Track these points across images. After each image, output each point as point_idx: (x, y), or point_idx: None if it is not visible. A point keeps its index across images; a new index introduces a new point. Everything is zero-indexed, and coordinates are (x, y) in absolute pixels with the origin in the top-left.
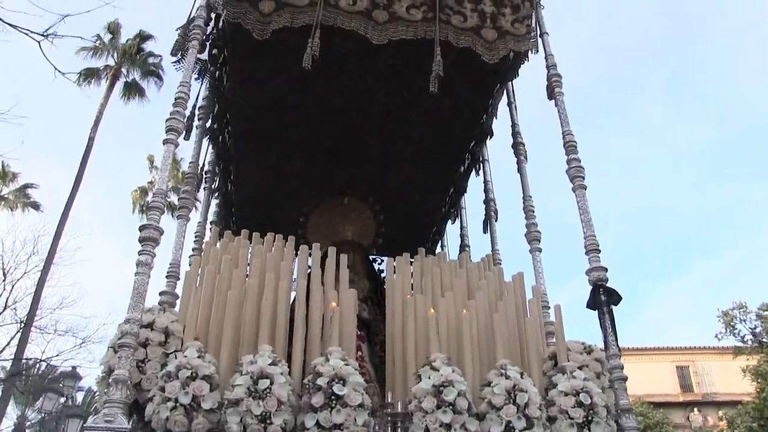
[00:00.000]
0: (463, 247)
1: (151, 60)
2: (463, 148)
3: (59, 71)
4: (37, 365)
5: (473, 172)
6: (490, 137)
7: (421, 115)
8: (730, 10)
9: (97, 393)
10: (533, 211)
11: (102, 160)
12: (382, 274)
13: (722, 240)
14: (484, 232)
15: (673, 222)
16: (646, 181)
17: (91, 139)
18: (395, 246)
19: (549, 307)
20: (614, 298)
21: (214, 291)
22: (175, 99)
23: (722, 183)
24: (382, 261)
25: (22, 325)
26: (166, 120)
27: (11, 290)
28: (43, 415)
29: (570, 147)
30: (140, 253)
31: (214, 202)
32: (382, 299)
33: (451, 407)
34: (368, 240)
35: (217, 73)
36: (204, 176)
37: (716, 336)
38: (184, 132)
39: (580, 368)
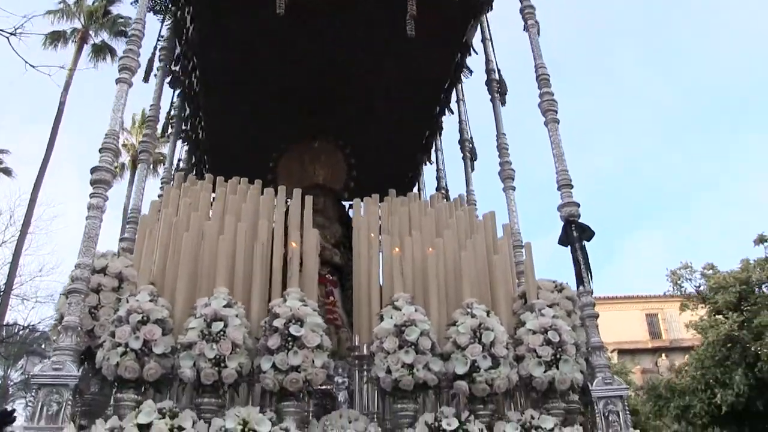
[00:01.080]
0: (440, 189)
1: (120, 21)
2: (437, 89)
3: (30, 65)
4: (19, 330)
5: (447, 112)
6: (466, 74)
7: (394, 56)
8: None
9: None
10: (507, 149)
11: (76, 125)
12: None
13: (693, 192)
14: (471, 170)
15: (645, 176)
16: (621, 138)
17: (61, 104)
18: (370, 191)
19: (521, 246)
20: (587, 233)
21: (171, 234)
22: (129, 37)
23: (694, 137)
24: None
25: (1, 293)
26: (119, 58)
27: None
28: (26, 376)
29: (543, 80)
30: (92, 195)
31: (183, 149)
32: None
33: (413, 347)
34: (340, 184)
35: (179, 13)
36: (170, 122)
37: (664, 293)
38: (144, 74)
39: (550, 306)
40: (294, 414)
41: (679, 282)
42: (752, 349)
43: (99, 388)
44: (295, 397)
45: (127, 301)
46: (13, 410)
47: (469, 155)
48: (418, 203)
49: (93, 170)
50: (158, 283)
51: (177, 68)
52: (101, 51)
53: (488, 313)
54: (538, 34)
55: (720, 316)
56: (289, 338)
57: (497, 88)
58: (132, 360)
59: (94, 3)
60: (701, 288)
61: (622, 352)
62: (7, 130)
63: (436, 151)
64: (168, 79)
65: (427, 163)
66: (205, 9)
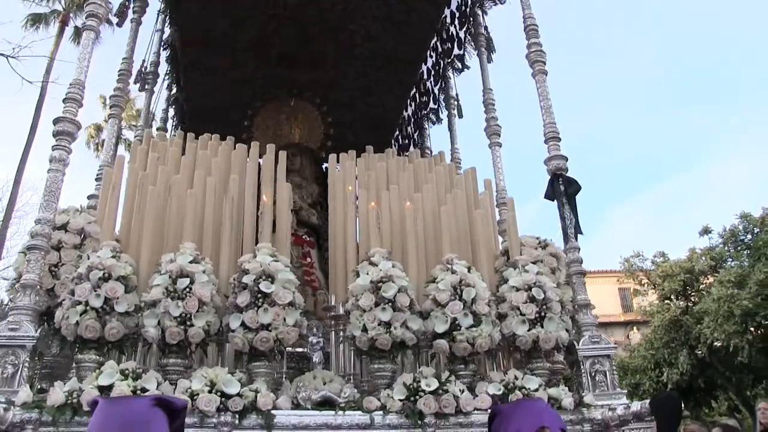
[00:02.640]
0: (423, 149)
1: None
2: (425, 45)
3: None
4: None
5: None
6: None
7: (379, 10)
8: None
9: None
10: (493, 105)
11: (58, 107)
12: None
13: (673, 164)
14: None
15: (626, 147)
16: (602, 108)
17: (43, 87)
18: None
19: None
20: (573, 187)
21: (137, 190)
22: None
23: (675, 108)
24: None
25: None
26: (86, 4)
27: None
28: None
29: (531, 31)
30: (54, 147)
31: (158, 106)
32: None
33: (390, 304)
34: (316, 143)
35: None
36: (146, 77)
37: (618, 280)
38: (117, 18)
39: (533, 263)
40: (265, 375)
41: (631, 269)
42: (694, 332)
43: (59, 349)
44: (266, 357)
45: (88, 258)
46: None
47: (455, 113)
48: (396, 159)
49: (56, 121)
50: (123, 239)
51: (156, 21)
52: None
53: (469, 269)
54: None
55: (667, 302)
56: (259, 295)
57: (484, 44)
58: (92, 319)
59: None
60: (650, 274)
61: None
62: None
63: (421, 111)
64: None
65: (408, 121)
66: None
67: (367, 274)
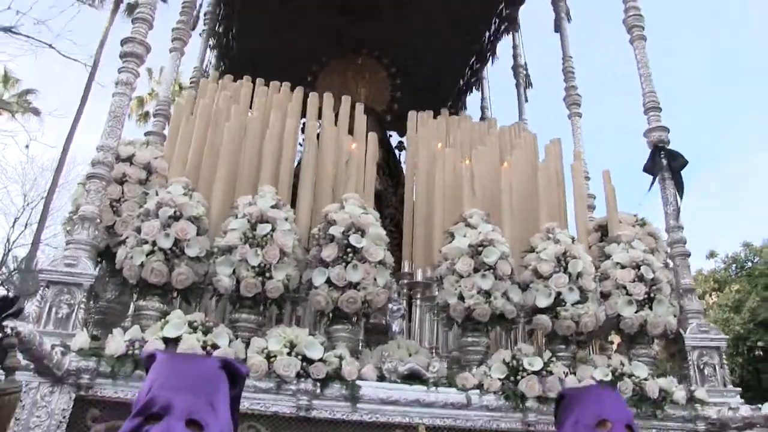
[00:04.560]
0: (484, 119)
1: None
2: (491, 9)
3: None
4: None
5: (501, 38)
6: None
7: None
8: None
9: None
10: (573, 73)
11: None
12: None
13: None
14: (525, 100)
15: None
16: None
17: (96, 61)
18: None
19: (589, 178)
20: (679, 161)
21: (209, 125)
22: None
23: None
24: (392, 136)
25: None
26: None
27: (30, 213)
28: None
29: None
30: (121, 70)
31: (212, 55)
32: (395, 170)
33: (491, 271)
34: (382, 105)
35: None
36: (204, 18)
37: None
38: None
39: None
40: (347, 340)
41: None
42: None
43: (118, 294)
44: (350, 320)
45: (156, 194)
46: (15, 298)
47: (523, 83)
48: (477, 123)
49: (124, 41)
50: (192, 178)
51: None
52: (134, 8)
53: (573, 239)
54: None
55: None
56: (348, 249)
57: (564, 9)
58: (160, 261)
59: None
60: None
61: None
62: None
63: (481, 79)
64: None
65: (473, 90)
66: None
67: (465, 236)
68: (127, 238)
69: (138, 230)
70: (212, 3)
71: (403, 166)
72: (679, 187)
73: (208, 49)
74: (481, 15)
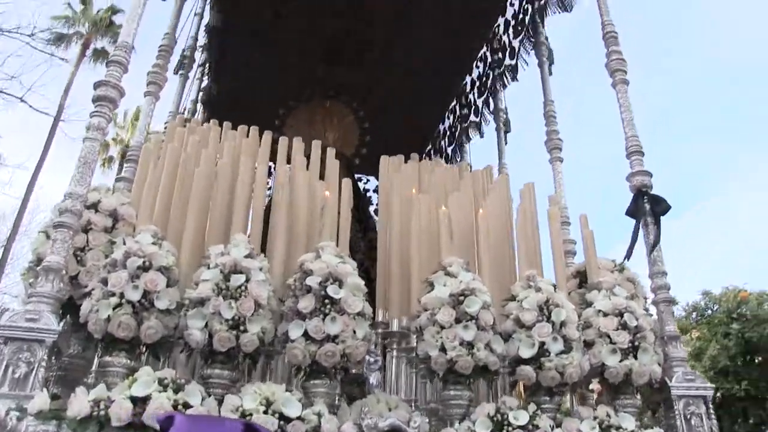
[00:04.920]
0: (460, 162)
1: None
2: (471, 55)
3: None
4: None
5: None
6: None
7: (429, 14)
8: None
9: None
10: (554, 117)
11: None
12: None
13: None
14: (505, 143)
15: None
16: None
17: (60, 106)
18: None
19: (569, 223)
20: (662, 206)
21: (178, 170)
22: None
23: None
24: (367, 180)
25: None
26: None
27: None
28: None
29: (611, 38)
30: (93, 114)
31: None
32: (363, 215)
33: (473, 321)
34: (351, 149)
35: None
36: (183, 60)
37: None
38: None
39: None
40: (325, 396)
41: None
42: None
43: (82, 349)
44: (328, 374)
45: (124, 243)
46: None
47: (503, 126)
48: (448, 168)
49: (97, 85)
50: (160, 226)
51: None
52: (102, 55)
53: (554, 287)
54: None
55: None
56: (327, 301)
57: (545, 54)
58: (128, 314)
59: (98, 12)
60: None
61: None
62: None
63: (461, 125)
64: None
65: (450, 133)
66: None
67: (445, 285)
68: (92, 289)
69: (104, 282)
70: (190, 46)
71: (371, 210)
72: (658, 232)
73: (184, 93)
74: (461, 62)
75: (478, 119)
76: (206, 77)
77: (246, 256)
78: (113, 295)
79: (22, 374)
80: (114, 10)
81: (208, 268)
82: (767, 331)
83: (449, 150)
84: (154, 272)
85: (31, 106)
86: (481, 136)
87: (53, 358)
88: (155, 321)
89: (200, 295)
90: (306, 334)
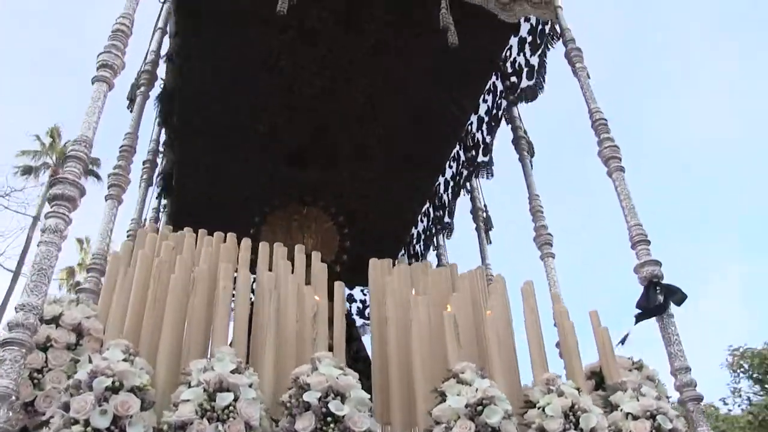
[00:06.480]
0: (441, 265)
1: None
2: (445, 154)
3: None
4: None
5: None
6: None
7: (403, 111)
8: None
9: None
10: (542, 212)
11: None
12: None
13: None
14: (487, 243)
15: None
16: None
17: (29, 239)
18: (355, 269)
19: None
20: (678, 296)
21: (151, 279)
22: (113, 32)
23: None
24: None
25: None
26: (99, 54)
27: None
28: None
29: (600, 126)
30: (49, 215)
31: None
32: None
33: None
34: (331, 255)
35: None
36: (142, 167)
37: None
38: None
39: None
40: None
41: None
42: None
43: None
44: None
45: (91, 361)
46: None
47: (483, 226)
48: (439, 271)
49: (53, 182)
50: (132, 340)
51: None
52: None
53: (578, 390)
54: (588, 77)
55: None
56: (328, 419)
57: (526, 148)
58: None
59: (65, 144)
60: None
61: None
62: None
63: (435, 227)
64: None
65: (430, 234)
66: (186, 27)
67: (458, 394)
68: (51, 417)
69: (66, 407)
70: (151, 150)
71: (355, 318)
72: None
73: (147, 199)
74: (436, 162)
75: (450, 221)
76: (173, 185)
77: (233, 371)
78: (77, 422)
79: None
80: None
81: (189, 386)
82: None
83: (425, 252)
84: (125, 393)
85: (17, 212)
86: (448, 237)
87: None
88: None
89: (181, 418)
90: None
